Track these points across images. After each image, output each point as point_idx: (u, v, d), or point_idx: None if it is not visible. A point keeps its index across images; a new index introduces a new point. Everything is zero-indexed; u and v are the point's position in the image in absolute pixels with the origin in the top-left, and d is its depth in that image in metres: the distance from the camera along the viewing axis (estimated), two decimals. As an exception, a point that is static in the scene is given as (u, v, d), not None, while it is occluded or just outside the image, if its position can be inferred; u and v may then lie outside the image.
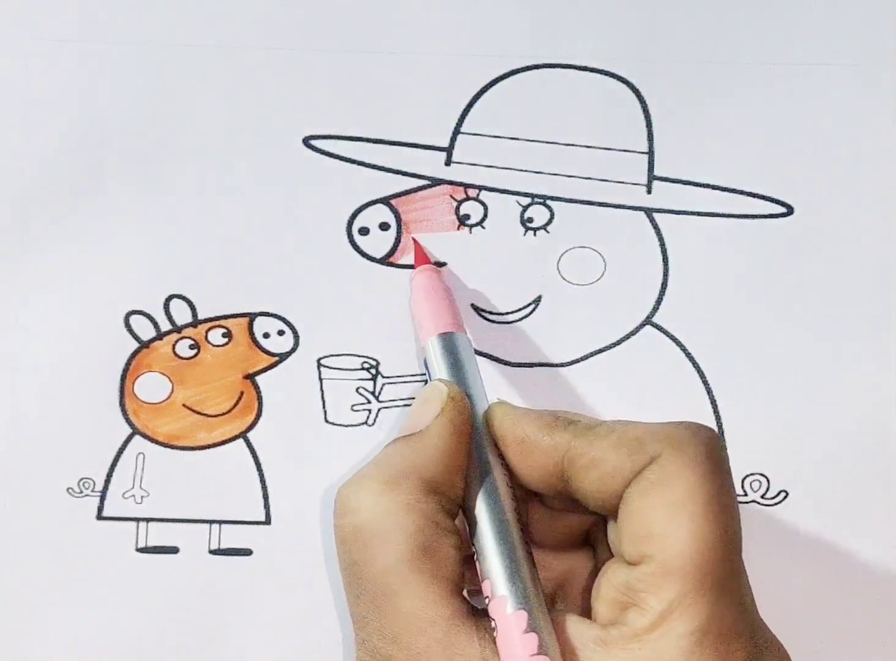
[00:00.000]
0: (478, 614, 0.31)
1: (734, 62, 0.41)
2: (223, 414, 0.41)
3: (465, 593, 0.32)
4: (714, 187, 0.41)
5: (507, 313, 0.41)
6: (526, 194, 0.41)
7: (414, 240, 0.40)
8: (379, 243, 0.41)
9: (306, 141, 0.41)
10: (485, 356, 0.41)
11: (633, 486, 0.30)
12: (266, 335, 0.41)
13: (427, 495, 0.31)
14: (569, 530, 0.35)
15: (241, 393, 0.41)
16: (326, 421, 0.40)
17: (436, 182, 0.41)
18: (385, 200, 0.41)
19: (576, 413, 0.33)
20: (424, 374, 0.40)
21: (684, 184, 0.41)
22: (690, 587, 0.29)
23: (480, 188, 0.41)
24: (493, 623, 0.31)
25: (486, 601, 0.31)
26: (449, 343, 0.36)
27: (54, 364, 0.40)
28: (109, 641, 0.40)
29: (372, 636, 0.31)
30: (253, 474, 0.40)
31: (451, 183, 0.41)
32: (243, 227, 0.41)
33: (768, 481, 0.40)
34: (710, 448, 0.30)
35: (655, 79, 0.41)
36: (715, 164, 0.41)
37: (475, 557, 0.32)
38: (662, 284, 0.41)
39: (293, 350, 0.41)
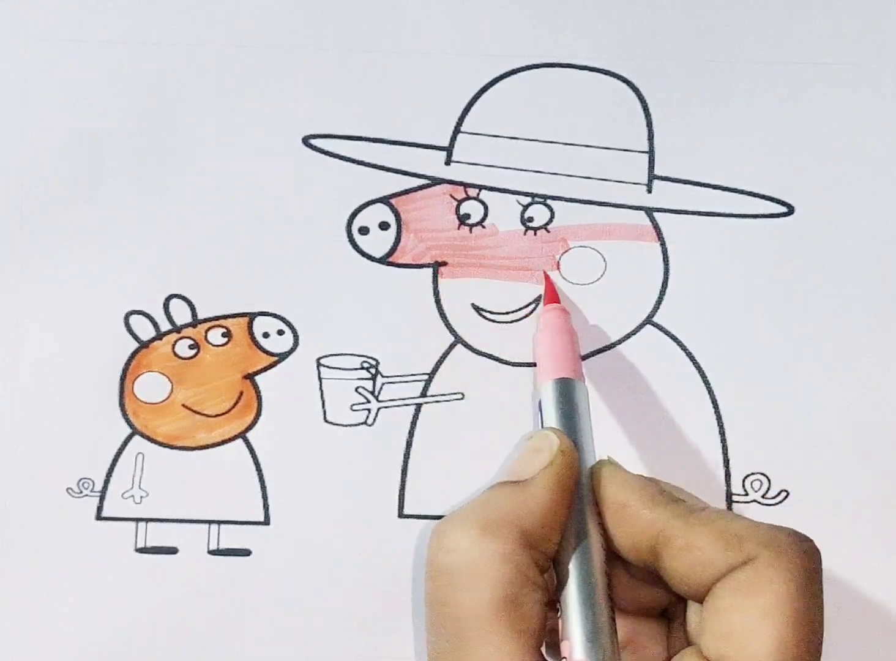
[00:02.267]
0: None
1: (735, 62, 0.41)
2: (223, 414, 0.41)
3: (542, 648, 0.31)
4: (714, 187, 0.41)
5: (507, 313, 0.41)
6: (526, 194, 0.41)
7: (546, 275, 0.40)
8: (379, 243, 0.41)
9: (306, 140, 0.41)
10: (485, 356, 0.41)
11: (723, 582, 0.30)
12: (266, 335, 0.41)
13: (523, 548, 0.31)
14: (647, 602, 0.34)
15: (241, 393, 0.41)
16: (326, 421, 0.40)
17: (436, 181, 0.41)
18: (385, 200, 0.41)
19: (682, 490, 0.33)
20: (424, 375, 0.40)
21: (685, 183, 0.41)
22: None
23: (480, 187, 0.41)
24: None
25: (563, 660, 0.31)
26: (566, 390, 0.35)
27: (54, 364, 0.40)
28: (109, 641, 0.40)
29: None
30: (252, 474, 0.40)
31: (451, 182, 0.41)
32: (243, 226, 0.41)
33: (769, 480, 0.40)
34: (808, 560, 0.30)
35: (656, 78, 0.41)
36: (715, 163, 0.41)
37: (559, 613, 0.32)
38: (662, 284, 0.41)
39: (293, 350, 0.41)
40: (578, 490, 0.33)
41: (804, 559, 0.30)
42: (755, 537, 0.30)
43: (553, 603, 0.32)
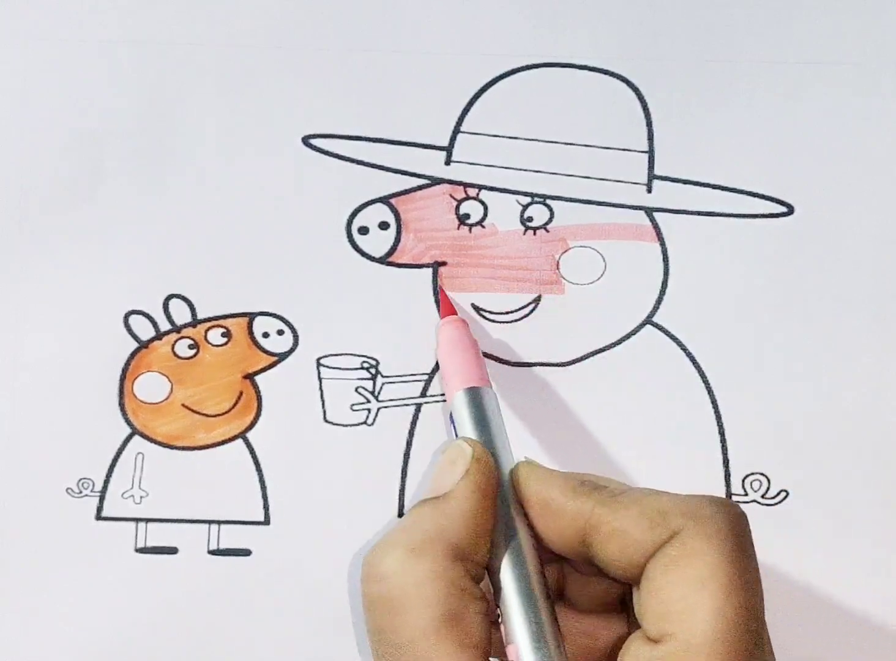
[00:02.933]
0: None
1: (735, 61, 0.41)
2: (222, 414, 0.41)
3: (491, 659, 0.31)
4: (714, 187, 0.41)
5: (507, 313, 0.41)
6: (526, 193, 0.41)
7: (441, 290, 0.40)
8: (378, 243, 0.41)
9: (306, 140, 0.41)
10: (485, 356, 0.41)
11: (654, 560, 0.30)
12: (265, 335, 0.41)
13: (453, 562, 0.30)
14: (603, 594, 0.34)
15: (241, 393, 0.41)
16: (326, 421, 0.40)
17: (435, 181, 0.41)
18: (385, 200, 0.41)
19: (604, 478, 0.33)
20: (424, 375, 0.40)
21: (684, 183, 0.41)
22: None
23: (480, 187, 0.41)
24: None
25: None
26: (475, 398, 0.35)
27: (54, 364, 0.40)
28: (108, 641, 0.40)
29: None
30: (252, 474, 0.40)
31: (450, 182, 0.41)
32: (242, 226, 0.41)
33: (769, 480, 0.40)
34: (733, 524, 0.30)
35: (656, 78, 0.41)
36: (715, 163, 0.41)
37: (499, 620, 0.32)
38: (662, 284, 0.41)
39: (292, 350, 0.41)
40: (501, 495, 0.33)
41: (729, 524, 0.30)
42: (678, 510, 0.30)
43: (493, 611, 0.32)
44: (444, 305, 0.40)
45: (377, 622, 0.31)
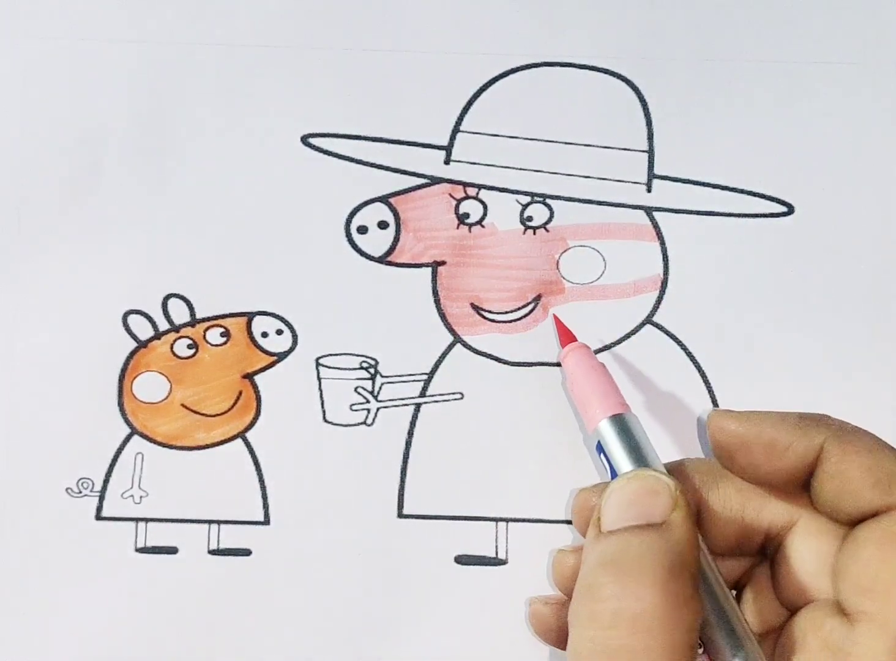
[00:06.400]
0: None
1: (735, 61, 0.41)
2: (222, 414, 0.40)
3: None
4: (714, 186, 0.41)
5: (507, 313, 0.41)
6: (525, 193, 0.41)
7: (555, 317, 0.40)
8: (377, 242, 0.41)
9: (305, 139, 0.41)
10: (485, 356, 0.41)
11: (870, 527, 0.30)
12: (264, 335, 0.41)
13: (696, 589, 0.30)
14: (740, 538, 0.34)
15: (240, 393, 0.41)
16: (325, 421, 0.40)
17: (435, 181, 0.41)
18: (384, 199, 0.41)
19: (819, 414, 0.33)
20: (424, 375, 0.40)
21: (684, 182, 0.41)
22: None
23: (480, 187, 0.41)
24: None
25: None
26: (623, 426, 0.35)
27: (53, 364, 0.40)
28: (108, 641, 0.40)
29: None
30: (252, 474, 0.40)
31: (450, 181, 0.41)
32: (241, 226, 0.41)
33: (768, 480, 0.40)
34: None
35: (656, 77, 0.41)
36: (715, 162, 0.41)
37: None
38: (662, 284, 0.41)
39: (292, 350, 0.41)
40: None
41: None
42: None
43: None
44: (563, 333, 0.39)
45: (621, 641, 0.29)
